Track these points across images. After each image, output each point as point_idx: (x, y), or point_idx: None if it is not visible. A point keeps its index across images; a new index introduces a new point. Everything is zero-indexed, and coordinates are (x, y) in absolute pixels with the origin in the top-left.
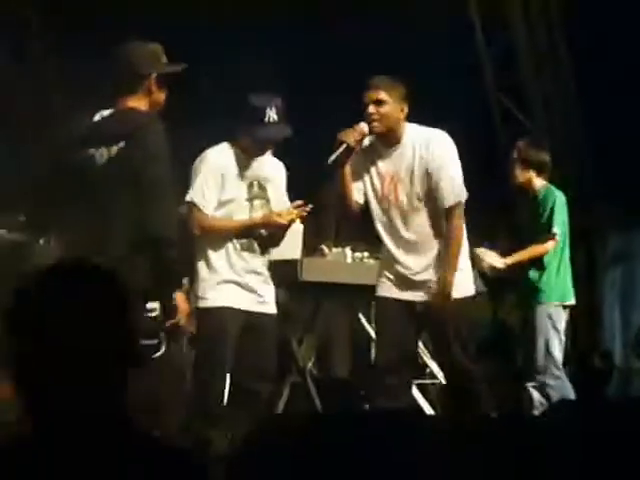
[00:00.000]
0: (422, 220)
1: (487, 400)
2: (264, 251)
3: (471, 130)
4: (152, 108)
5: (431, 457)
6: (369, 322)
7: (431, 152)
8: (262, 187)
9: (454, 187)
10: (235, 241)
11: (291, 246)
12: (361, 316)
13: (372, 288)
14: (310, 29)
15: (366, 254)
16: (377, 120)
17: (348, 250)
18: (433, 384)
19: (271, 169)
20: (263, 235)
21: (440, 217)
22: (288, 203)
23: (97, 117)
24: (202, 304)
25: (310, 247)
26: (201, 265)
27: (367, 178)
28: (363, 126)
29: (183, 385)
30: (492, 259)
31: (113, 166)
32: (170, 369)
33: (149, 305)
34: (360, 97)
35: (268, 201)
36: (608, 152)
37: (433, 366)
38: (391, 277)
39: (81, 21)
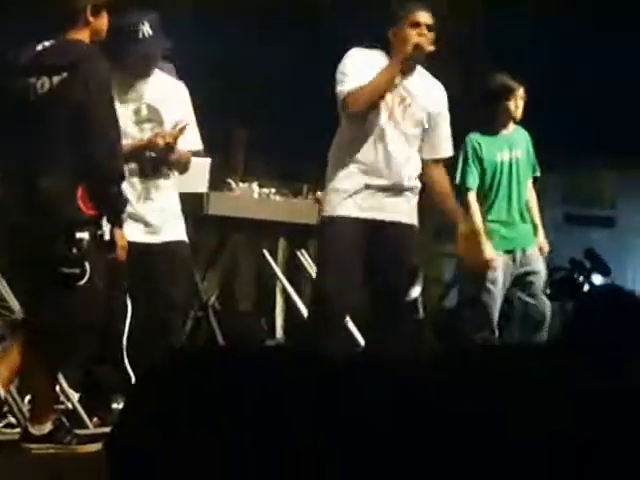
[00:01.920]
0: (413, 146)
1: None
2: (156, 175)
3: None
4: (93, 38)
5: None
6: (273, 258)
7: (436, 94)
8: (153, 110)
9: (450, 139)
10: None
11: (197, 179)
12: (265, 252)
13: (278, 224)
14: None
15: (273, 190)
16: (432, 44)
17: (255, 185)
18: None
19: (166, 90)
20: (154, 158)
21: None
22: (191, 125)
23: (39, 47)
24: None
25: (217, 181)
26: None
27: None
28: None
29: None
30: None
31: (54, 96)
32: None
33: (78, 235)
34: None
35: (161, 123)
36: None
37: None
38: (358, 197)
39: None
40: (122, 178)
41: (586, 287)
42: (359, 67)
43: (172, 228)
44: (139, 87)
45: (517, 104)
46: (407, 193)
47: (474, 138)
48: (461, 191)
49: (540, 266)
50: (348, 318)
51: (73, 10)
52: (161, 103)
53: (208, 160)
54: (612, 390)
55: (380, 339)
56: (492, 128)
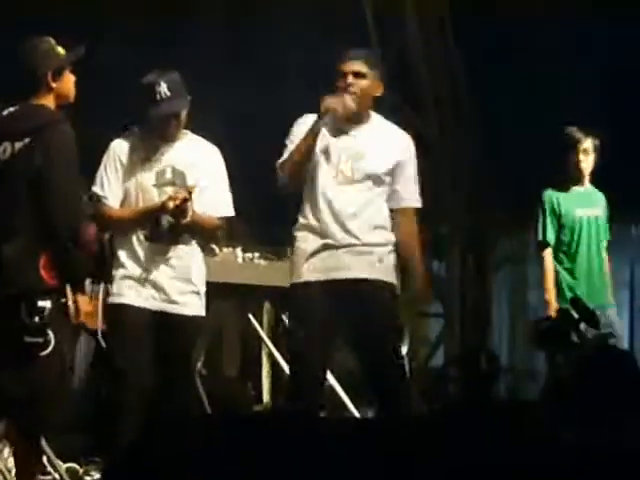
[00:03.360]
0: (366, 201)
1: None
2: (172, 241)
3: None
4: (59, 102)
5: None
6: (259, 323)
7: (395, 145)
8: (178, 173)
9: (416, 190)
10: (139, 231)
11: None
12: (251, 316)
13: (262, 288)
14: None
15: (257, 254)
16: (355, 93)
17: (239, 250)
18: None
19: (195, 153)
20: (171, 223)
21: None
22: (221, 190)
23: (5, 113)
24: (109, 299)
25: (200, 246)
26: (115, 259)
27: (320, 149)
28: (348, 99)
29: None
30: None
31: (16, 162)
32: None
33: (40, 303)
34: None
35: (185, 184)
36: (500, 155)
37: None
38: (316, 260)
39: None
40: (82, 245)
41: (573, 337)
42: (298, 135)
43: (190, 302)
44: (164, 150)
45: (583, 157)
46: (368, 249)
47: (551, 194)
48: (539, 248)
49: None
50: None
51: (34, 77)
52: (188, 167)
53: None
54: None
55: (370, 399)
56: (565, 184)
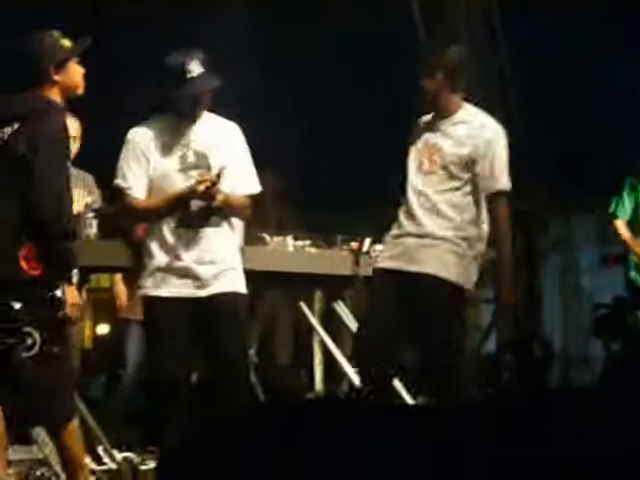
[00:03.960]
0: (451, 192)
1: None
2: (204, 225)
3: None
4: (65, 94)
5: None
6: (310, 310)
7: (483, 135)
8: (200, 155)
9: (503, 176)
10: (169, 218)
11: None
12: (302, 304)
13: (313, 276)
14: None
15: (308, 242)
16: (427, 93)
17: (290, 239)
18: None
19: (215, 133)
20: (201, 207)
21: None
22: (245, 168)
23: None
24: (142, 292)
25: (252, 236)
26: (145, 250)
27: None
28: (219, 195)
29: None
30: None
31: (5, 148)
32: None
33: (11, 302)
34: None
35: (208, 169)
36: (549, 139)
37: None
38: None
39: None
40: (68, 235)
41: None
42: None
43: (223, 280)
44: (186, 133)
45: None
46: (433, 242)
47: (631, 179)
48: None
49: None
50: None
51: (38, 70)
52: (209, 148)
53: None
54: None
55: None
56: None
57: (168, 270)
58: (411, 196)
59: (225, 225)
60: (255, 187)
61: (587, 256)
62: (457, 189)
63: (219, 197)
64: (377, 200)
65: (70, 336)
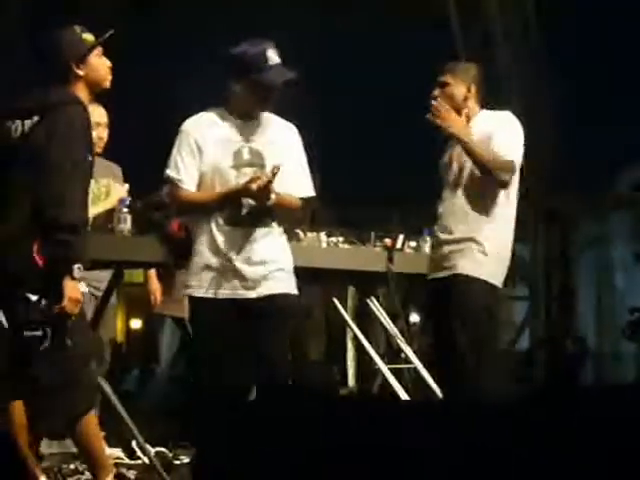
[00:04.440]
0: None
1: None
2: (255, 224)
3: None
4: (91, 88)
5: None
6: (343, 306)
7: (493, 129)
8: (255, 153)
9: (506, 146)
10: (218, 215)
11: None
12: (335, 300)
13: (346, 272)
14: None
15: (341, 239)
16: (441, 99)
17: (323, 235)
18: (408, 369)
19: (273, 132)
20: (253, 206)
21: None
22: (301, 170)
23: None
24: (188, 291)
25: (285, 232)
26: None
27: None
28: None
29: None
30: None
31: (26, 141)
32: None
33: (27, 295)
34: None
35: (262, 168)
36: (578, 138)
37: (408, 351)
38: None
39: None
40: (74, 227)
41: None
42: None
43: (273, 281)
44: (243, 129)
45: None
46: (464, 245)
47: None
48: None
49: None
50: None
51: (61, 67)
52: (265, 146)
53: None
54: None
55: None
56: None
57: (216, 270)
58: (441, 203)
59: (275, 225)
60: (309, 191)
61: (620, 253)
62: (481, 194)
63: (272, 197)
64: (411, 197)
65: (85, 327)
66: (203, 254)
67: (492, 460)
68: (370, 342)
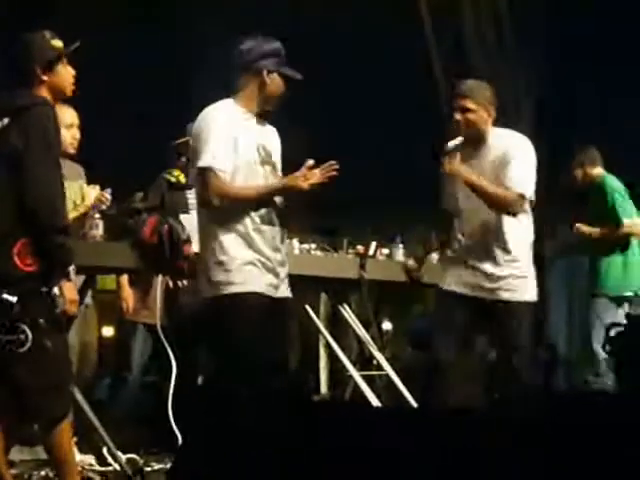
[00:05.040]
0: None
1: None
2: (284, 225)
3: (422, 119)
4: (54, 95)
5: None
6: (315, 313)
7: (507, 153)
8: (267, 152)
9: (519, 179)
10: (253, 214)
11: None
12: (308, 307)
13: (319, 279)
14: None
15: (313, 245)
16: (464, 126)
17: (295, 241)
18: (380, 376)
19: (271, 134)
20: (280, 205)
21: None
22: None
23: None
24: (227, 289)
25: None
26: (216, 245)
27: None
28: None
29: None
30: None
31: None
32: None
33: (5, 296)
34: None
35: (274, 167)
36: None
37: (380, 358)
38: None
39: None
40: (62, 229)
41: None
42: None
43: (286, 285)
44: (258, 127)
45: None
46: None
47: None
48: None
49: None
50: None
51: (27, 71)
52: (270, 145)
53: None
54: None
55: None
56: None
57: (257, 266)
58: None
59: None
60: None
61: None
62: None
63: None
64: (383, 204)
65: (62, 331)
66: (239, 252)
67: (466, 466)
68: (342, 349)
